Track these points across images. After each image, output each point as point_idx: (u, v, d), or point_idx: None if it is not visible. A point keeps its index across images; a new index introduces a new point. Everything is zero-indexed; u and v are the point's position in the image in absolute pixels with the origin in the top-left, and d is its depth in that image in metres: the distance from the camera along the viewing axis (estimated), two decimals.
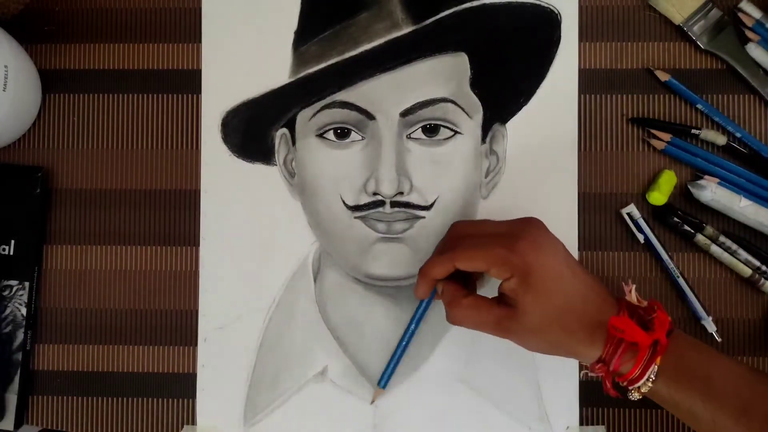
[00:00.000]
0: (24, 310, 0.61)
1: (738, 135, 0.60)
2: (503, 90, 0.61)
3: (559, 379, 0.59)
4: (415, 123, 0.59)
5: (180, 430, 0.61)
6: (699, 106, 0.60)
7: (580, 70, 0.61)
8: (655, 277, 0.60)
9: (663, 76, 0.60)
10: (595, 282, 0.51)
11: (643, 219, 0.60)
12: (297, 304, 0.61)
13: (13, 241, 0.61)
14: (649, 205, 0.60)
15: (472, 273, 0.53)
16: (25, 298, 0.61)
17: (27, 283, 0.61)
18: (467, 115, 0.60)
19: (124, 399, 0.61)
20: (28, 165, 0.62)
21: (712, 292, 0.60)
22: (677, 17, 0.60)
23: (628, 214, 0.60)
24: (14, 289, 0.61)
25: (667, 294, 0.60)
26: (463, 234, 0.53)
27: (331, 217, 0.60)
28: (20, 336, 0.61)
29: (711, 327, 0.59)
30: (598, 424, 0.60)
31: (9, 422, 0.60)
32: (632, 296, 0.50)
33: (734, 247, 0.59)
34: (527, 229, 0.51)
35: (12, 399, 0.60)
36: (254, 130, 0.61)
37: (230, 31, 0.62)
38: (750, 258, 0.59)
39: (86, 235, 0.62)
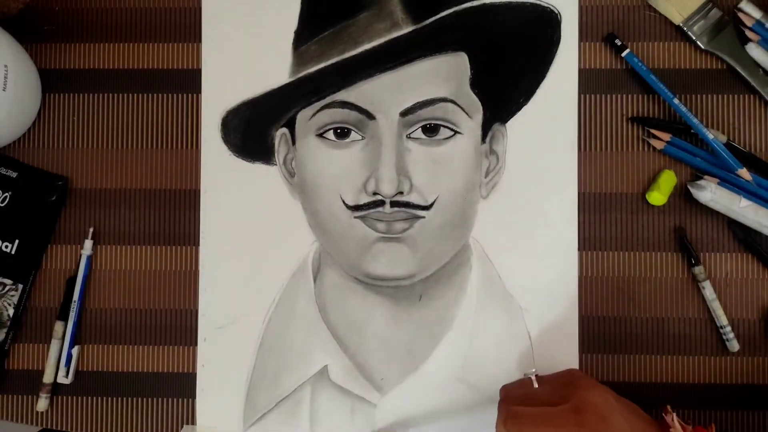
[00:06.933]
0: (11, 311, 0.61)
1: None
2: (503, 90, 0.61)
3: None
4: (415, 123, 0.59)
5: (180, 429, 0.61)
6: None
7: (580, 70, 0.61)
8: (655, 277, 0.60)
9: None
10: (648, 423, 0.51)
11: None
12: (297, 303, 0.61)
13: (17, 241, 0.61)
14: (649, 204, 0.60)
15: None
16: (15, 299, 0.61)
17: (21, 286, 0.61)
18: (467, 114, 0.60)
19: (124, 399, 0.61)
20: (52, 172, 0.62)
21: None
22: (677, 17, 0.60)
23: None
24: (7, 287, 0.61)
25: (668, 293, 0.61)
26: (521, 407, 0.52)
27: (331, 217, 0.60)
28: (0, 335, 0.61)
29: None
30: None
31: None
32: (675, 425, 0.51)
33: (713, 296, 0.60)
34: (585, 397, 0.50)
35: None
36: (254, 129, 0.61)
37: (230, 31, 0.62)
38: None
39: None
